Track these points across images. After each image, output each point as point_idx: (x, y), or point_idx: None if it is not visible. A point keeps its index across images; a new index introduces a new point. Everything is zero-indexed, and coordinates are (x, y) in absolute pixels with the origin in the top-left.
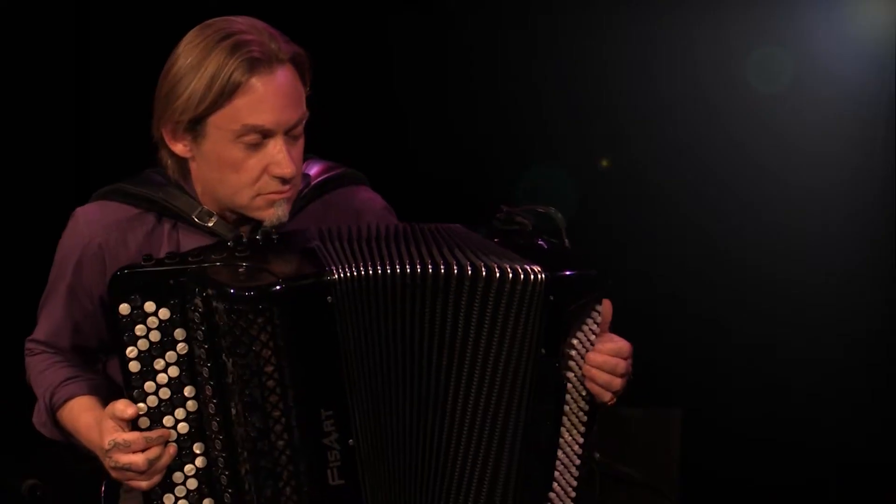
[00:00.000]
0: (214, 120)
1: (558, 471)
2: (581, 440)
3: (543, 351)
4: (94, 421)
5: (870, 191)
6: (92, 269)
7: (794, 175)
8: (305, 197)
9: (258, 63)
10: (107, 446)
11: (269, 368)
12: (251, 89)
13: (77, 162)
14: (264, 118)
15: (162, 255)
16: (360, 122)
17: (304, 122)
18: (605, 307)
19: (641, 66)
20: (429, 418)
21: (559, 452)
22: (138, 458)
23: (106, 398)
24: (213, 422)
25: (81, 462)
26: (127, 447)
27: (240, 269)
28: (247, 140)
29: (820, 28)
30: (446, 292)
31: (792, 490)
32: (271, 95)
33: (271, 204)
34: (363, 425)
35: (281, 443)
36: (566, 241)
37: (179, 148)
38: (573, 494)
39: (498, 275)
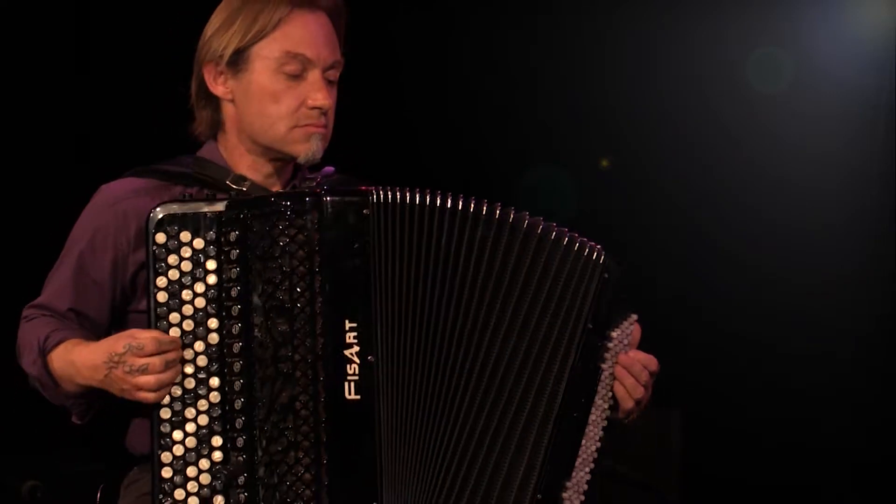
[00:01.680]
0: (258, 49)
1: (582, 464)
2: (598, 445)
3: (590, 326)
4: (95, 347)
5: (870, 191)
6: (112, 232)
7: (794, 175)
8: (329, 181)
9: (300, 0)
10: (122, 349)
11: (301, 271)
12: (293, 22)
13: (77, 162)
14: (305, 48)
15: None
16: (361, 122)
17: (339, 69)
18: (635, 328)
19: (641, 66)
20: (458, 351)
21: (584, 441)
22: (155, 359)
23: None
24: (235, 343)
25: (82, 464)
26: (141, 349)
27: (277, 194)
28: (288, 69)
29: (820, 28)
30: (500, 229)
31: (793, 490)
32: (312, 29)
33: (307, 138)
34: (385, 344)
35: (302, 349)
36: None
37: (220, 89)
38: (583, 499)
39: (554, 234)
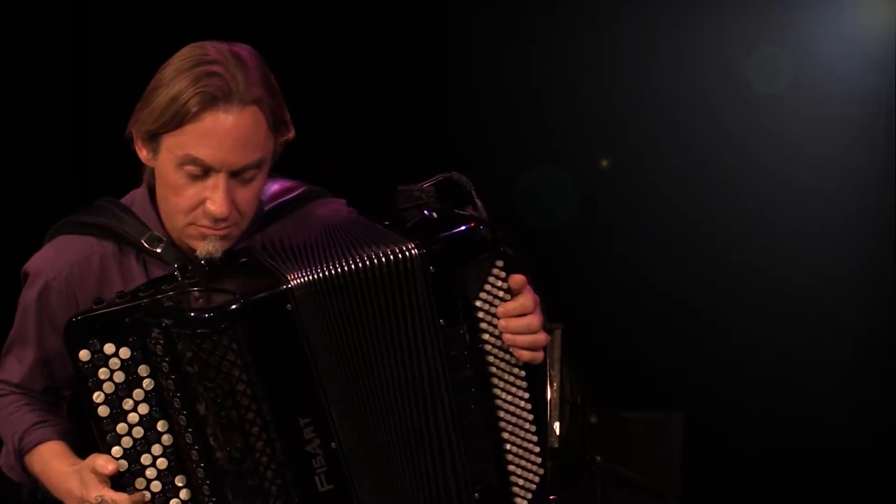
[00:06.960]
0: (165, 140)
1: (513, 434)
2: (525, 401)
3: (442, 322)
4: (70, 469)
5: (870, 191)
6: (61, 305)
7: (794, 175)
8: (254, 226)
9: (214, 99)
10: (94, 501)
11: (241, 387)
12: (201, 122)
13: (77, 161)
14: (206, 153)
15: (136, 283)
16: (360, 122)
17: (260, 167)
18: (513, 278)
19: (642, 66)
20: (396, 403)
21: (504, 414)
22: None
23: (75, 444)
24: (192, 451)
25: None
26: None
27: (194, 295)
28: (188, 169)
29: (820, 28)
30: (343, 290)
31: (793, 491)
32: (220, 133)
33: (203, 237)
34: (342, 425)
35: (265, 458)
36: (478, 201)
37: (143, 154)
38: (538, 461)
39: (375, 261)
